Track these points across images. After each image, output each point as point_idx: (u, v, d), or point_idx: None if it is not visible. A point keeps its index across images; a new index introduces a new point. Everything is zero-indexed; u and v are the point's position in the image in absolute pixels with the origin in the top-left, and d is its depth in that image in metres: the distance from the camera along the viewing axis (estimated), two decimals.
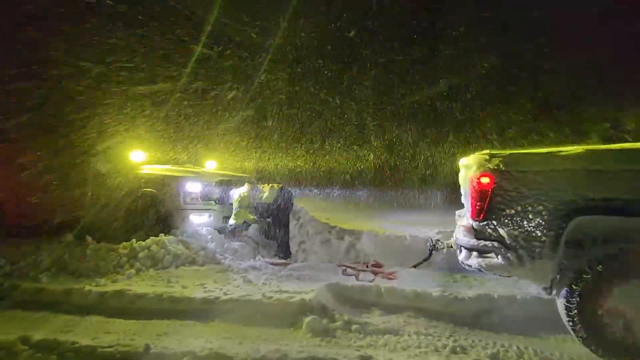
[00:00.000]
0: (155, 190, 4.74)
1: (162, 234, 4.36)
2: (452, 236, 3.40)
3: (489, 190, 2.50)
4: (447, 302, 3.05)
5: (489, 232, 2.50)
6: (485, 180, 2.52)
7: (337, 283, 3.43)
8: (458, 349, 2.48)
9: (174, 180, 4.78)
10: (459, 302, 3.03)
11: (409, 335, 2.72)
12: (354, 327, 2.80)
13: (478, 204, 2.54)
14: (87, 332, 2.84)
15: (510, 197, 2.45)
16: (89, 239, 4.43)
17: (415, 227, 5.66)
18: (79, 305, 3.32)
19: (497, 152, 2.62)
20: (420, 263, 3.94)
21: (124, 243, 4.25)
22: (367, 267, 3.93)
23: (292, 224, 4.91)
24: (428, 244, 3.79)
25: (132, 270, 3.86)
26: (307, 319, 2.85)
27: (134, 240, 4.26)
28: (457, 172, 3.35)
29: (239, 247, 4.47)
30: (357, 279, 3.67)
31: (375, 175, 9.67)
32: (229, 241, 4.57)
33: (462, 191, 3.38)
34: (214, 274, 3.86)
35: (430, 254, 3.82)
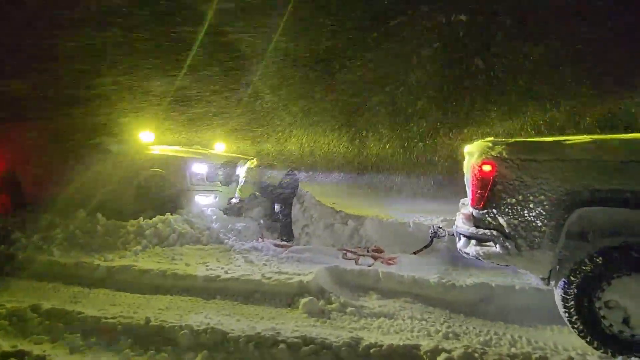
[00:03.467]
0: (162, 170, 4.84)
1: (169, 213, 4.46)
2: (454, 224, 3.39)
3: (490, 178, 2.45)
4: (445, 289, 3.06)
5: (488, 221, 2.47)
6: (487, 167, 2.47)
7: (337, 266, 3.47)
8: (451, 334, 2.50)
9: (181, 161, 4.86)
10: (457, 289, 3.03)
11: (403, 319, 2.74)
12: (349, 309, 2.84)
13: (479, 191, 2.50)
14: (94, 303, 2.98)
15: (512, 186, 2.40)
16: (99, 215, 4.58)
17: (420, 214, 5.64)
18: (88, 278, 3.46)
19: (501, 139, 2.56)
20: (420, 250, 3.94)
21: (132, 220, 4.38)
22: (368, 252, 3.94)
23: (297, 207, 4.95)
24: (430, 231, 3.77)
25: (139, 247, 3.99)
26: (304, 300, 2.90)
27: (141, 218, 4.38)
28: (462, 159, 3.30)
29: (242, 228, 4.55)
30: (356, 263, 3.70)
31: (383, 162, 9.60)
32: (232, 222, 4.65)
33: (465, 179, 3.34)
34: (217, 253, 3.95)
35: (431, 241, 3.81)
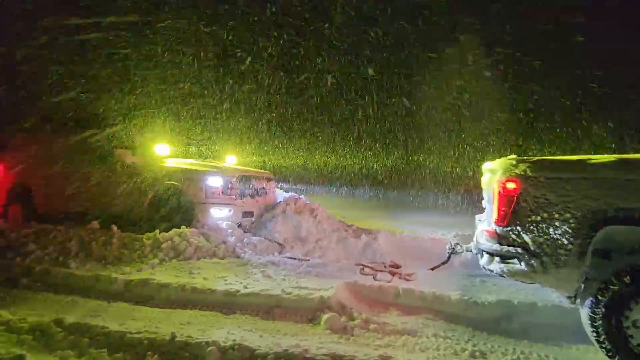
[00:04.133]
0: (178, 183, 4.87)
1: (184, 226, 4.48)
2: (472, 240, 3.39)
3: (514, 196, 2.46)
4: (466, 305, 3.05)
5: (512, 238, 2.47)
6: (511, 185, 2.49)
7: (356, 282, 3.47)
8: (477, 353, 2.49)
9: (196, 174, 4.89)
10: (479, 306, 3.03)
11: (427, 337, 2.73)
12: (372, 326, 2.83)
13: (503, 209, 2.51)
14: (114, 317, 2.96)
15: (537, 204, 2.41)
16: (114, 227, 4.59)
17: (432, 228, 5.65)
18: (105, 291, 3.46)
19: (525, 157, 2.60)
20: (438, 266, 3.94)
21: (148, 233, 4.39)
22: (385, 267, 3.94)
23: (310, 221, 4.97)
24: (447, 248, 3.78)
25: (156, 260, 3.99)
26: (326, 316, 2.89)
27: (157, 230, 4.39)
28: (480, 176, 3.34)
29: (258, 242, 4.55)
30: (374, 278, 3.70)
31: (394, 176, 9.64)
32: (248, 236, 4.66)
33: (484, 195, 3.36)
34: (234, 268, 3.95)
35: (449, 258, 3.81)
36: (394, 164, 9.54)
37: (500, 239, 2.55)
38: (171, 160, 5.17)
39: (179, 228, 4.42)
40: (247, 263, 4.05)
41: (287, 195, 6.00)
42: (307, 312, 3.06)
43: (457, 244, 3.73)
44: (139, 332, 2.57)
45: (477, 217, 3.56)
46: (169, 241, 4.19)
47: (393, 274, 3.78)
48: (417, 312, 3.10)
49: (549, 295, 3.19)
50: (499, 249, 2.54)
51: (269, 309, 3.13)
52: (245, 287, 3.36)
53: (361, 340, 2.67)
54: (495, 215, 2.60)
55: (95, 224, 4.74)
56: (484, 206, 3.33)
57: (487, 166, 3.04)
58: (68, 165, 5.27)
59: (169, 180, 4.85)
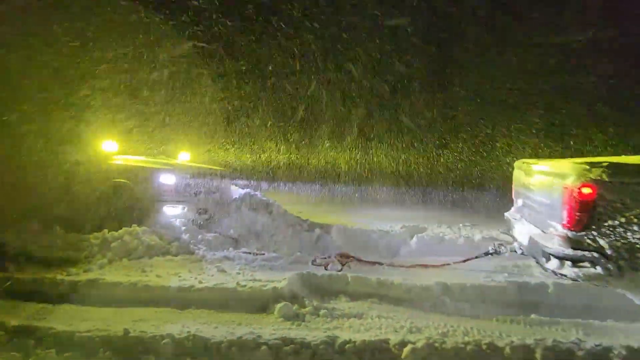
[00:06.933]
0: (127, 181, 4.74)
1: (135, 225, 4.39)
2: (512, 241, 3.58)
3: (590, 201, 2.44)
4: (407, 289, 3.37)
5: (588, 243, 2.47)
6: (587, 190, 2.44)
7: (308, 272, 3.66)
8: (414, 329, 2.79)
9: (147, 172, 4.80)
10: (418, 289, 3.36)
11: (371, 318, 3.00)
12: (322, 311, 3.04)
13: (577, 214, 2.47)
14: (61, 319, 2.89)
15: (613, 208, 2.41)
16: (57, 228, 4.38)
17: (381, 221, 6.02)
18: (50, 294, 3.32)
19: (595, 160, 2.58)
20: (470, 259, 4.02)
21: (95, 233, 4.26)
22: (340, 258, 4.12)
23: (265, 216, 5.09)
24: (490, 248, 3.90)
25: (105, 260, 3.89)
26: (279, 305, 3.05)
27: (105, 230, 4.27)
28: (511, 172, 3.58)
29: (213, 239, 4.59)
30: (325, 268, 3.92)
31: (350, 172, 9.96)
32: (202, 233, 4.68)
33: (516, 194, 3.51)
34: (189, 264, 3.98)
35: (487, 254, 3.92)
36: (349, 160, 9.87)
37: (573, 243, 2.52)
38: (120, 158, 5.02)
39: (130, 227, 4.33)
40: (202, 259, 4.08)
41: (243, 191, 6.05)
42: (261, 303, 3.19)
43: (501, 244, 3.83)
44: (89, 331, 2.56)
45: (510, 215, 3.65)
46: (119, 240, 4.10)
47: (344, 264, 4.02)
48: (364, 298, 3.36)
49: (477, 277, 3.62)
50: (572, 253, 2.52)
51: (224, 302, 3.22)
52: (200, 282, 3.42)
53: (312, 325, 2.87)
54: (567, 220, 2.55)
55: (35, 225, 4.49)
56: (520, 204, 3.43)
57: (538, 168, 3.04)
58: (5, 163, 4.90)
59: (118, 178, 4.72)
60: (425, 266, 4.02)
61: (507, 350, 2.38)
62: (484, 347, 2.42)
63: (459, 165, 9.49)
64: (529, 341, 2.46)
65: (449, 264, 4.04)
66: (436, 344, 2.43)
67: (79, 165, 4.79)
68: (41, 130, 4.82)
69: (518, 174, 3.61)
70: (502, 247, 3.81)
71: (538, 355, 2.34)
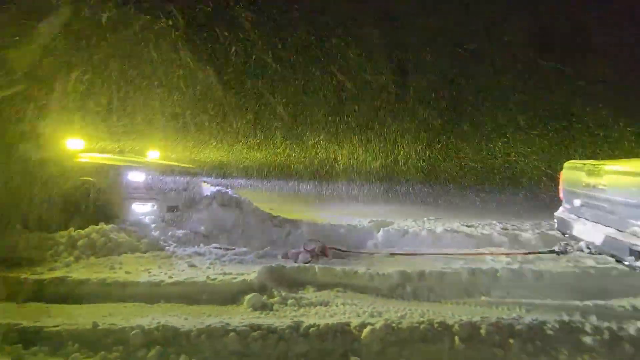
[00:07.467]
0: (94, 179, 4.68)
1: (103, 223, 4.36)
2: (576, 241, 3.66)
3: None
4: (370, 277, 3.58)
5: None
6: None
7: (277, 265, 3.80)
8: (375, 313, 2.99)
9: (114, 169, 4.76)
10: (380, 277, 3.58)
11: (336, 305, 3.17)
12: (290, 301, 3.19)
13: None
14: (28, 316, 2.85)
15: None
16: (18, 227, 4.28)
17: (349, 217, 6.25)
18: (14, 293, 3.26)
19: None
20: (533, 252, 4.22)
21: (61, 232, 4.19)
22: (314, 250, 4.27)
23: (236, 212, 5.17)
24: (557, 247, 4.04)
25: (71, 258, 3.86)
26: (248, 296, 3.17)
27: (71, 228, 4.21)
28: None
29: (183, 235, 4.63)
30: (295, 261, 4.07)
31: (320, 169, 10.15)
32: (173, 229, 4.70)
33: (570, 195, 3.62)
34: (159, 260, 4.01)
35: (551, 252, 4.10)
36: (321, 159, 10.06)
37: None
38: (86, 155, 4.94)
39: (97, 225, 4.30)
40: (172, 255, 4.13)
41: (214, 189, 6.09)
42: (231, 295, 3.30)
43: (567, 244, 3.95)
44: (56, 326, 2.58)
45: (563, 215, 3.75)
46: (86, 238, 4.07)
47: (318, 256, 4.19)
48: (331, 287, 3.54)
49: (435, 264, 3.89)
50: None
51: (194, 295, 3.30)
52: (170, 277, 3.47)
53: (280, 314, 3.02)
54: None
55: None
56: (578, 204, 3.49)
57: (614, 168, 3.08)
58: None
59: (83, 176, 4.65)
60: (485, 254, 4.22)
61: (456, 327, 2.62)
62: (436, 325, 2.65)
63: (425, 164, 9.93)
64: (476, 319, 2.73)
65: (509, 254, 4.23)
66: (393, 325, 2.64)
67: (43, 164, 4.67)
68: (1, 128, 4.66)
69: (574, 175, 3.64)
70: (569, 247, 3.87)
71: (483, 330, 2.60)
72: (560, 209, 3.95)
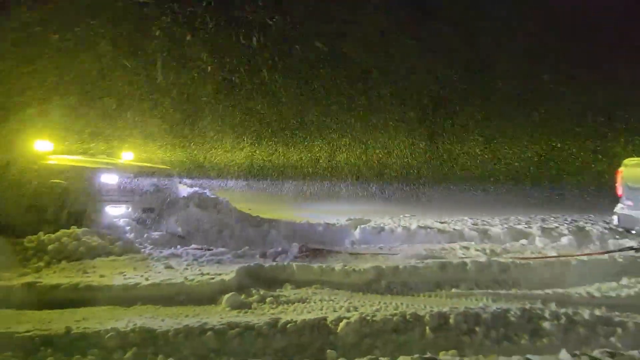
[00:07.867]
0: (63, 182, 4.55)
1: (74, 226, 4.25)
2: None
3: None
4: (347, 274, 3.68)
5: None
6: None
7: (255, 264, 3.83)
8: (352, 308, 3.08)
9: (86, 172, 4.65)
10: (356, 273, 3.68)
11: (314, 302, 3.25)
12: (268, 299, 3.24)
13: None
14: None
15: None
16: None
17: (327, 215, 6.35)
18: None
19: None
20: (611, 251, 4.01)
21: (30, 236, 4.06)
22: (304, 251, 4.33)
23: (214, 212, 5.16)
24: (636, 244, 4.01)
25: (41, 263, 3.75)
26: (226, 296, 3.20)
27: (41, 233, 4.09)
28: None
29: (159, 237, 4.58)
30: (273, 260, 4.12)
31: (299, 169, 10.22)
32: (148, 231, 4.64)
33: (634, 192, 3.64)
34: (134, 263, 3.95)
35: (633, 249, 3.98)
36: (298, 158, 10.13)
37: None
38: (56, 158, 4.79)
39: (68, 229, 4.19)
40: (148, 257, 4.08)
41: (191, 190, 6.03)
42: (210, 296, 3.31)
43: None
44: (28, 332, 2.52)
45: (627, 211, 3.70)
46: (57, 243, 3.96)
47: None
48: (309, 284, 3.62)
49: (407, 260, 4.04)
50: None
51: (171, 297, 3.28)
52: (147, 280, 3.44)
53: (258, 312, 3.06)
54: None
55: None
56: (633, 201, 3.52)
57: None
58: None
59: (53, 179, 4.51)
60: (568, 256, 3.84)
61: (427, 317, 2.75)
62: (408, 317, 2.77)
63: (403, 162, 10.18)
64: (445, 309, 2.87)
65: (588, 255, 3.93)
66: (368, 318, 2.74)
67: (9, 166, 4.50)
68: None
69: (635, 172, 3.67)
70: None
71: (452, 319, 2.74)
72: (619, 205, 3.89)
